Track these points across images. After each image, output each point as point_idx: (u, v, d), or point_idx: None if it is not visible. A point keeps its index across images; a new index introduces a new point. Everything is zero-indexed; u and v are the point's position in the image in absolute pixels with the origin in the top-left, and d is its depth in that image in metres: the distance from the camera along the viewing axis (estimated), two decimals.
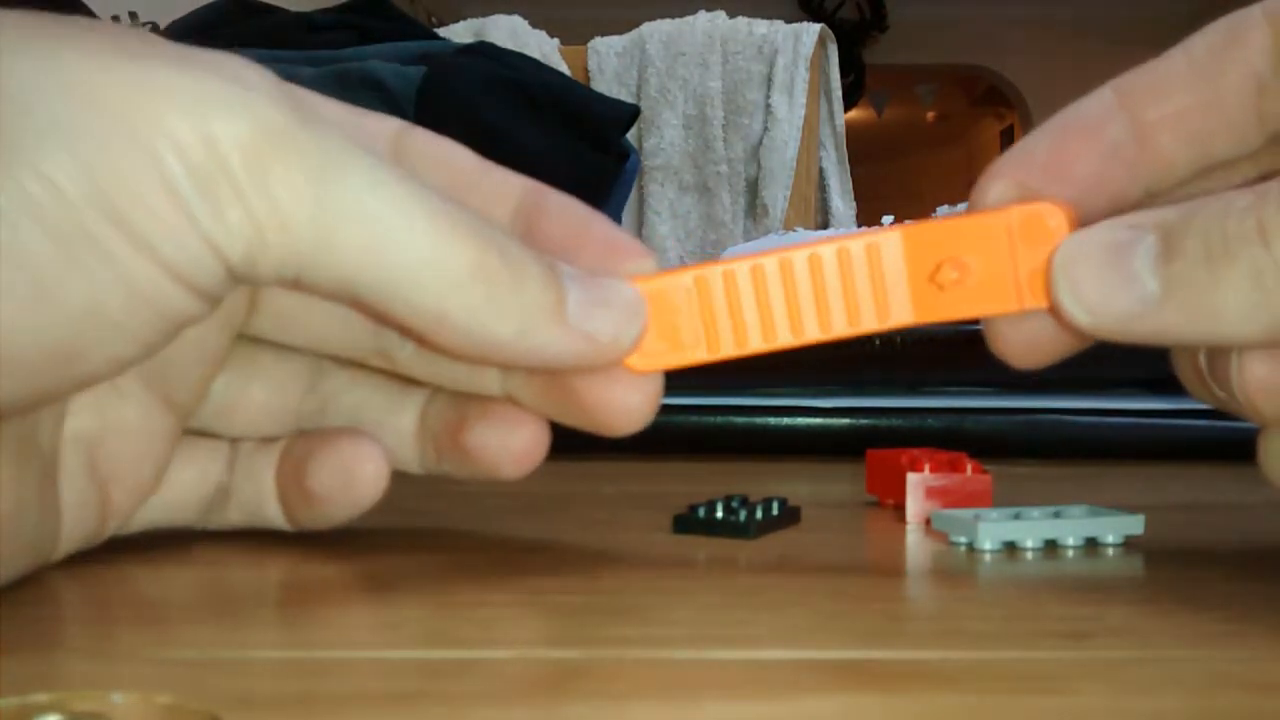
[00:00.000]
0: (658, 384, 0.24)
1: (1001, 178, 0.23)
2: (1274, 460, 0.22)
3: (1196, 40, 0.23)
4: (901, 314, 0.23)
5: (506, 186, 0.25)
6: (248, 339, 0.26)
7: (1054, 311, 0.22)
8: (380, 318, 0.22)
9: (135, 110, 0.18)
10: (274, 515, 0.27)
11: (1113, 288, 0.21)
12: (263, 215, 0.19)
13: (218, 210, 0.19)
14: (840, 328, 0.23)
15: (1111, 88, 0.24)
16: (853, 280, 0.23)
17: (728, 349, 0.24)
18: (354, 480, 0.25)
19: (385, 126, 0.24)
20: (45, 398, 0.20)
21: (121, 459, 0.24)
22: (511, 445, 0.25)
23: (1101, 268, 0.21)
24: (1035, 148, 0.24)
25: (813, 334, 0.24)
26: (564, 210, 0.24)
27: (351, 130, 0.24)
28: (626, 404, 0.23)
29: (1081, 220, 0.23)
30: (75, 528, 0.23)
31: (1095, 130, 0.23)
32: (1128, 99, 0.23)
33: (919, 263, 0.23)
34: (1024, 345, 0.24)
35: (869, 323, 0.23)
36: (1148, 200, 0.24)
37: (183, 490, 0.26)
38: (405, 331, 0.23)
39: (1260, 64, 0.22)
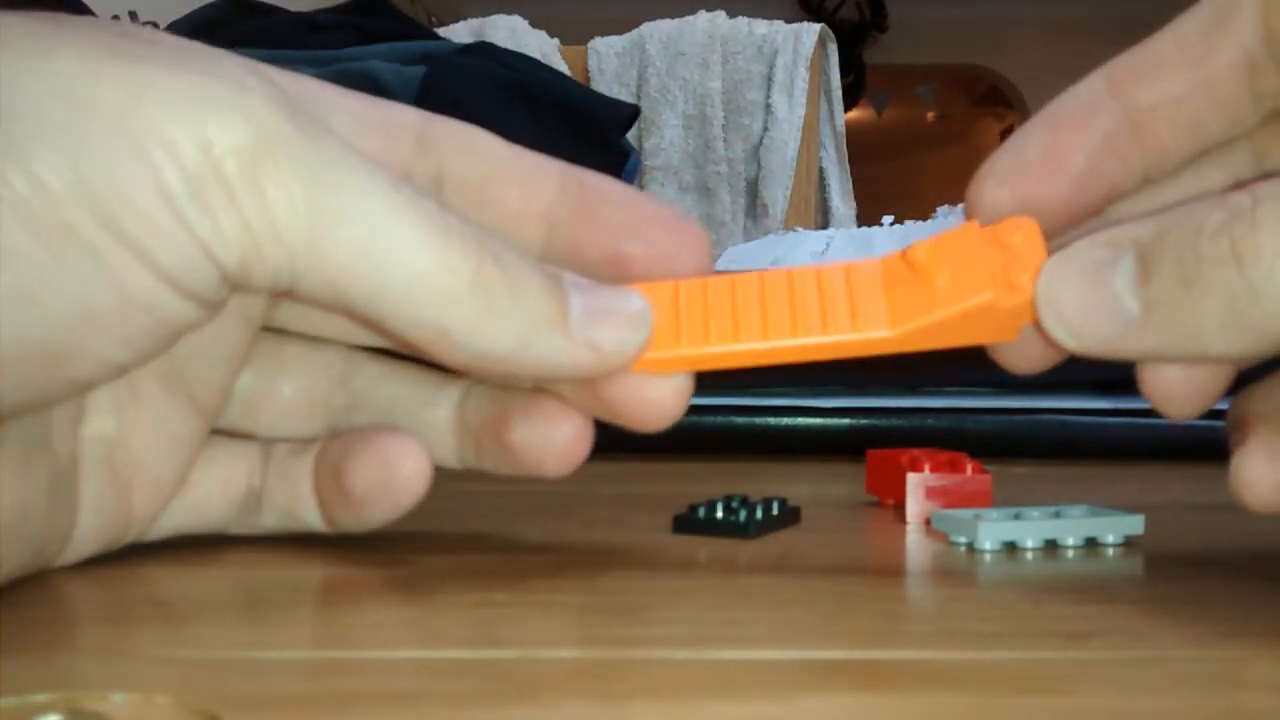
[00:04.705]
0: (687, 379, 0.23)
1: (994, 178, 0.23)
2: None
3: (1185, 21, 0.23)
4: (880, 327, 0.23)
5: (543, 170, 0.24)
6: (273, 332, 0.25)
7: (1042, 333, 0.22)
8: (377, 330, 0.21)
9: (128, 113, 0.18)
10: (311, 518, 0.26)
11: (1095, 310, 0.21)
12: (257, 222, 0.19)
13: (212, 216, 0.19)
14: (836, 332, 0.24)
15: (1103, 74, 0.23)
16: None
17: (724, 341, 0.23)
18: (394, 480, 0.24)
19: (409, 117, 0.24)
20: (37, 400, 0.20)
21: (141, 460, 0.24)
22: (555, 441, 0.24)
23: (1083, 291, 0.21)
24: (1027, 145, 0.23)
25: (809, 333, 0.24)
26: (615, 193, 0.24)
27: (372, 123, 0.23)
28: (656, 400, 0.23)
29: (1077, 214, 0.22)
30: (92, 529, 0.23)
31: (1086, 121, 0.23)
32: (1118, 86, 0.23)
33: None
34: (1017, 354, 0.24)
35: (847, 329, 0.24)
36: (1144, 188, 0.24)
37: (210, 493, 0.25)
38: (403, 344, 0.22)
39: (1251, 42, 0.22)
